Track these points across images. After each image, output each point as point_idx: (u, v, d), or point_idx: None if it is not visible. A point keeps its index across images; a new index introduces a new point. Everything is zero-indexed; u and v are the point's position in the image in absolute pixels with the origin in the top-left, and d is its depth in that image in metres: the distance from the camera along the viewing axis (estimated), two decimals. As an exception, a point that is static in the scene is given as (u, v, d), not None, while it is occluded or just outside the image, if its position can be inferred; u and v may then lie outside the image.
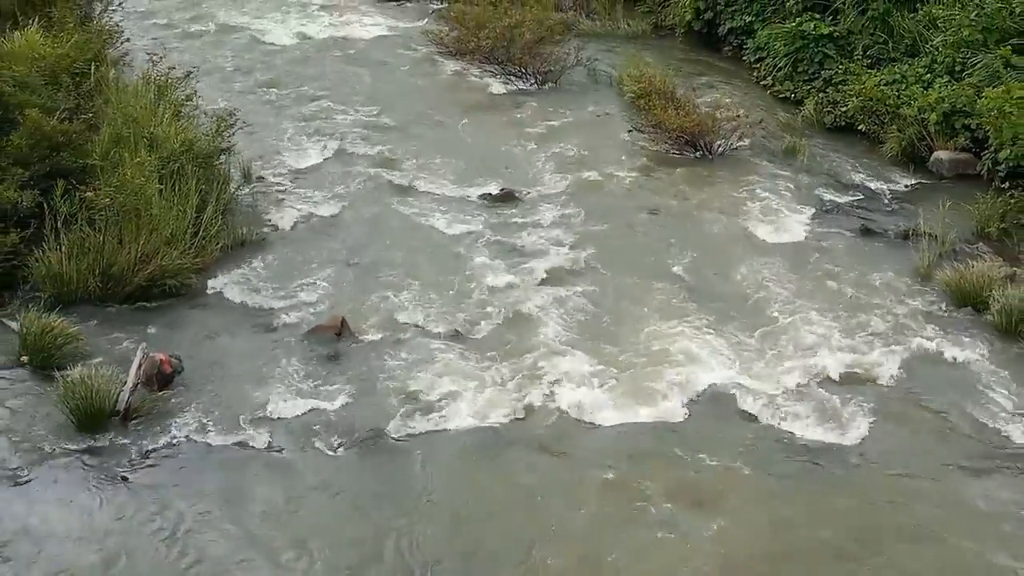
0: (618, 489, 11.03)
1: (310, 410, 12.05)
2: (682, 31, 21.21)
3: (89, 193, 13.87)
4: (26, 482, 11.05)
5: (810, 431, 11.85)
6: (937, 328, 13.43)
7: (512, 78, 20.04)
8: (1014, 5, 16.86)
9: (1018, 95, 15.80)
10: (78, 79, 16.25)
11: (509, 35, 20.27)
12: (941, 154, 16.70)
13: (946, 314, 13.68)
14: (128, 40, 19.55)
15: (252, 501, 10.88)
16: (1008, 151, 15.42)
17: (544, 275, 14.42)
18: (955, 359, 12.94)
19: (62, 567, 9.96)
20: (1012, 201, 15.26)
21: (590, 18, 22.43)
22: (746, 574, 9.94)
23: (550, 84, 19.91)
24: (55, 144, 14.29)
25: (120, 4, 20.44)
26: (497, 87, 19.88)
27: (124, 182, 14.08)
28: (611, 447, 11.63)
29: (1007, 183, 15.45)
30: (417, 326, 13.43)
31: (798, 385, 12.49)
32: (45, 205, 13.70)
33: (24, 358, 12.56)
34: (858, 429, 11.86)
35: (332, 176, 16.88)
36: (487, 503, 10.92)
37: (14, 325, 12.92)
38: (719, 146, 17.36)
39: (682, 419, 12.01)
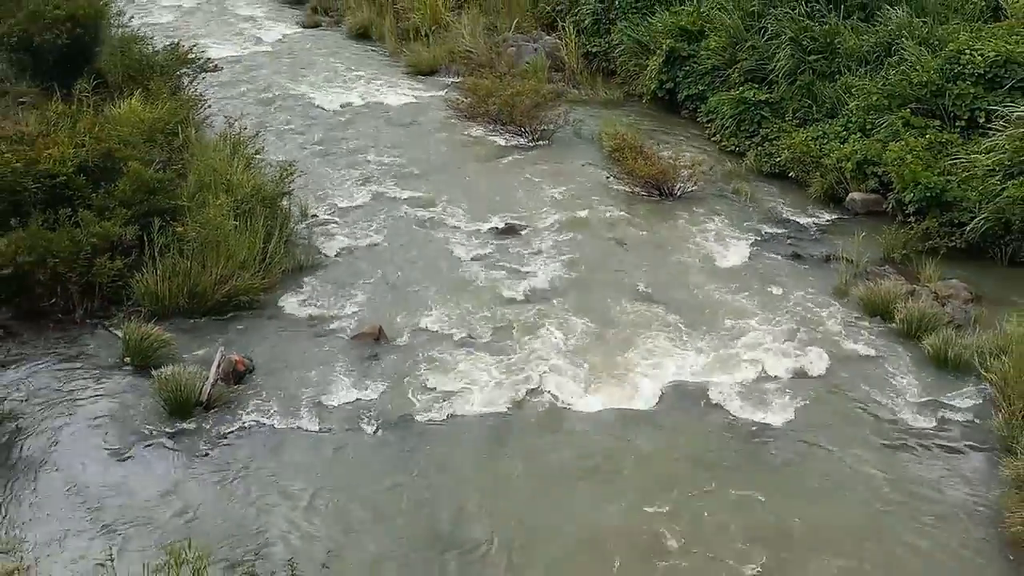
0: (596, 460, 11.12)
1: (354, 400, 12.08)
2: (648, 98, 21.21)
3: (179, 228, 13.94)
4: (128, 458, 11.09)
5: (752, 414, 11.88)
6: (852, 333, 13.44)
7: (514, 136, 20.05)
8: (912, 77, 16.90)
9: (916, 148, 15.88)
10: (170, 137, 16.27)
11: (511, 102, 20.26)
12: (855, 195, 16.72)
13: (860, 322, 13.67)
14: (209, 106, 19.61)
15: (306, 471, 10.92)
16: (911, 193, 15.41)
17: (539, 292, 14.42)
18: (867, 357, 12.95)
19: (154, 521, 10.02)
20: (912, 232, 15.26)
21: (575, 88, 22.43)
22: (691, 506, 9.99)
23: (544, 140, 19.92)
24: (152, 189, 14.31)
25: (203, 78, 20.50)
26: (502, 143, 19.89)
27: (207, 219, 14.12)
28: (591, 428, 11.67)
29: (912, 218, 15.45)
30: (438, 332, 13.43)
31: (743, 378, 12.50)
32: (144, 238, 13.73)
33: (127, 359, 12.60)
34: (789, 412, 11.89)
35: (371, 213, 16.88)
36: (494, 472, 10.98)
37: (119, 333, 12.95)
38: (678, 189, 17.36)
39: (650, 406, 12.03)
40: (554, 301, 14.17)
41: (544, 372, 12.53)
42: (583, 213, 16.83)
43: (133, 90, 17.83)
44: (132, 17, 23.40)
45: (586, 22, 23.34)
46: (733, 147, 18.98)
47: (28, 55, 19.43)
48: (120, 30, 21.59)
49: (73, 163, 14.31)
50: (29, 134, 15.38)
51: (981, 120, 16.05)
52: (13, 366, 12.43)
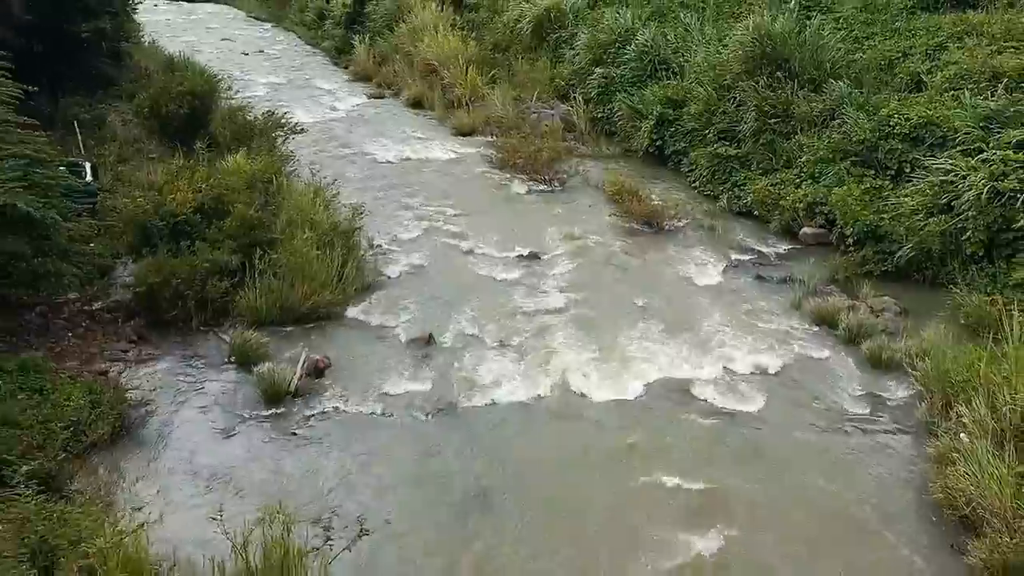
0: (602, 437, 11.11)
1: (409, 391, 12.09)
2: (641, 153, 21.18)
3: (274, 256, 14.05)
4: (233, 435, 11.19)
5: (723, 402, 11.88)
6: (805, 339, 13.37)
7: (535, 183, 20.08)
8: (852, 136, 16.83)
9: (855, 192, 15.81)
10: (267, 185, 16.35)
11: (534, 156, 20.33)
12: (807, 229, 16.63)
13: (810, 330, 13.60)
14: (297, 160, 19.74)
15: (372, 447, 10.97)
16: (852, 228, 15.38)
17: (555, 305, 14.38)
18: (816, 358, 12.89)
19: (252, 486, 10.09)
20: (852, 259, 15.19)
21: (584, 145, 22.43)
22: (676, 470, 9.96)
23: (559, 186, 19.95)
24: (252, 226, 14.43)
25: (292, 138, 20.65)
26: (525, 188, 19.90)
27: (295, 249, 14.22)
28: (598, 412, 11.68)
29: (852, 248, 15.39)
30: (476, 337, 13.43)
31: (717, 374, 12.46)
32: (246, 263, 13.85)
33: (232, 358, 12.68)
34: (753, 401, 11.88)
35: (422, 243, 16.90)
36: (522, 447, 10.98)
37: (226, 338, 13.05)
38: (666, 224, 17.35)
39: (643, 396, 12.02)
40: (567, 312, 14.15)
41: (560, 370, 12.50)
42: (590, 243, 16.82)
43: (238, 148, 18.02)
44: (237, 91, 23.73)
45: (592, 93, 23.37)
46: (709, 192, 18.94)
47: (157, 121, 19.70)
48: (228, 101, 21.85)
49: (192, 205, 14.48)
50: (158, 183, 15.60)
51: (907, 170, 15.94)
52: (145, 364, 12.54)
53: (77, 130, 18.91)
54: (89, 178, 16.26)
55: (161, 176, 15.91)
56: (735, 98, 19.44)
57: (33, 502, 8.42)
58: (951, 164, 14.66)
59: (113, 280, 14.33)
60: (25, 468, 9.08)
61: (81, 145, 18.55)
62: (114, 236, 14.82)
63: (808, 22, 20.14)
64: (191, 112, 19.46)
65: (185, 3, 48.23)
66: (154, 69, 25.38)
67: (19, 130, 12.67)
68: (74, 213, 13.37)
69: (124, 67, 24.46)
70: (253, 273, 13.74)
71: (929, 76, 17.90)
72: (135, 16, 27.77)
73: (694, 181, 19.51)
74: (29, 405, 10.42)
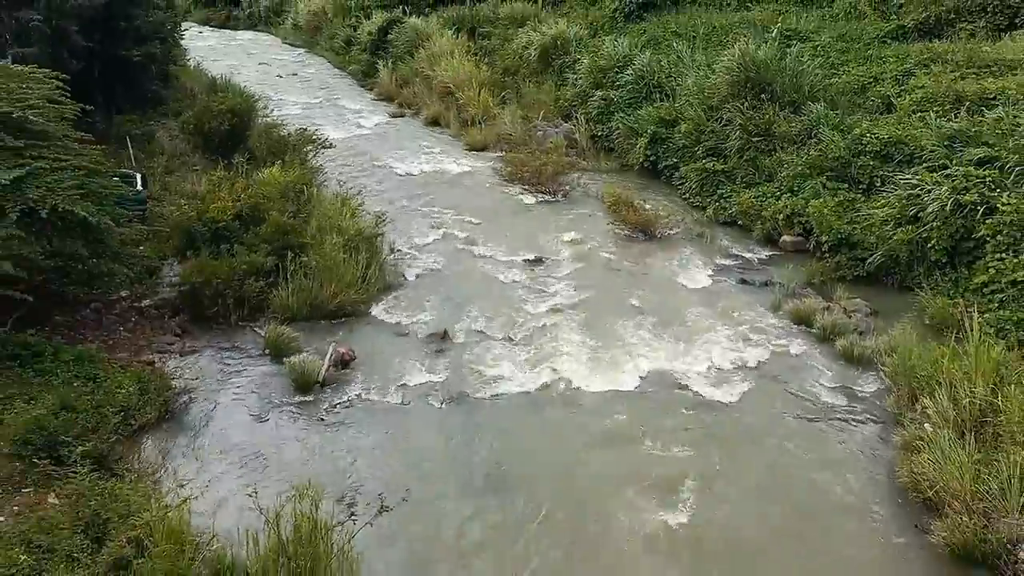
0: (598, 422, 11.11)
1: (425, 382, 12.09)
2: (637, 167, 21.11)
3: (305, 258, 14.07)
4: (266, 420, 11.21)
5: (710, 392, 11.84)
6: (784, 336, 13.32)
7: (540, 194, 20.05)
8: (827, 153, 16.77)
9: (830, 204, 15.77)
10: (299, 194, 16.39)
11: (539, 170, 20.30)
12: (786, 238, 16.57)
13: (789, 329, 13.54)
14: (326, 172, 19.80)
15: (392, 432, 10.98)
16: (827, 236, 15.35)
17: (558, 305, 14.37)
18: (794, 354, 12.84)
19: (284, 466, 10.11)
20: (827, 265, 15.13)
21: (585, 160, 22.32)
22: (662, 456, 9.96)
23: (562, 197, 19.91)
24: (285, 231, 14.44)
25: (321, 152, 20.68)
26: (531, 199, 19.88)
27: (324, 252, 14.25)
28: (595, 402, 11.66)
29: (827, 254, 15.35)
30: (486, 334, 13.43)
31: (703, 367, 12.43)
32: (279, 265, 13.88)
33: (266, 351, 12.71)
34: (736, 392, 11.84)
35: (438, 248, 16.90)
36: (526, 431, 10.99)
37: (261, 332, 13.08)
38: (659, 232, 17.31)
39: (637, 387, 12.01)
40: (569, 311, 14.12)
41: (562, 363, 12.50)
42: (590, 249, 16.79)
43: (273, 161, 18.05)
44: (273, 110, 23.75)
45: (593, 113, 23.31)
46: (698, 203, 18.86)
47: (201, 137, 19.76)
48: (264, 119, 21.90)
49: (231, 212, 14.52)
50: (201, 192, 15.65)
51: (878, 184, 15.87)
52: (188, 355, 12.59)
53: (129, 144, 18.98)
54: (139, 188, 16.33)
55: (204, 186, 15.98)
56: (722, 118, 19.39)
57: (87, 479, 8.48)
58: (918, 179, 14.59)
59: (160, 280, 14.37)
60: (80, 448, 9.16)
61: (132, 158, 18.62)
62: (161, 240, 14.88)
63: (789, 50, 20.08)
64: (231, 129, 19.51)
65: (227, 30, 48.34)
66: (198, 90, 25.48)
67: (77, 144, 12.73)
68: (126, 219, 13.41)
69: (171, 88, 24.59)
70: (286, 274, 13.76)
71: (898, 99, 17.84)
72: (182, 41, 27.88)
73: (684, 193, 19.44)
74: (84, 392, 10.48)
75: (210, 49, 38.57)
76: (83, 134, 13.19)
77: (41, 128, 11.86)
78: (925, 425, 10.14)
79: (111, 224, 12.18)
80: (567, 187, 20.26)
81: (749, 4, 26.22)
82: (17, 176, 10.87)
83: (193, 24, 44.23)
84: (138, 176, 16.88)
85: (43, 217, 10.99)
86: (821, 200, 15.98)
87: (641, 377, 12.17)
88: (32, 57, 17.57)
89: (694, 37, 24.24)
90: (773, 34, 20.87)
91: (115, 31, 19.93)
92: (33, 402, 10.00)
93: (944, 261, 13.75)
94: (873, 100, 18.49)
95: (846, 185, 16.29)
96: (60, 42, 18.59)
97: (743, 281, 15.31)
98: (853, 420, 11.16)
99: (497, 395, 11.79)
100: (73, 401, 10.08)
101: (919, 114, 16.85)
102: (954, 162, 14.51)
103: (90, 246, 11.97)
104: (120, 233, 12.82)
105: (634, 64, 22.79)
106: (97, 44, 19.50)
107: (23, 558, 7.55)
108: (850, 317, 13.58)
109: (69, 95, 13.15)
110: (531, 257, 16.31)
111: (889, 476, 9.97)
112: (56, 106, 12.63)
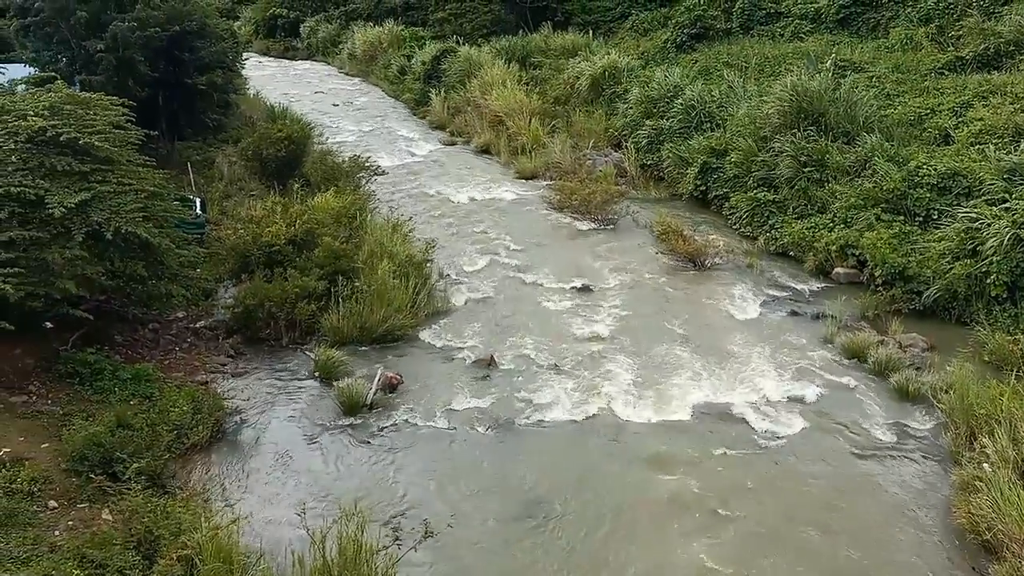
0: (644, 453, 10.96)
1: (471, 407, 12.10)
2: (687, 197, 21.01)
3: (355, 283, 14.22)
4: (315, 442, 11.30)
5: (760, 426, 11.61)
6: (836, 371, 13.01)
7: (589, 222, 20.03)
8: (882, 185, 16.47)
9: (885, 236, 15.47)
10: (351, 220, 16.61)
11: (588, 198, 20.29)
12: (839, 269, 16.27)
13: (841, 363, 13.23)
14: (378, 198, 20.05)
15: (438, 456, 10.98)
16: (881, 269, 15.03)
17: (606, 333, 14.28)
18: (847, 388, 12.54)
19: (331, 487, 10.17)
20: (881, 298, 14.79)
21: (634, 189, 22.25)
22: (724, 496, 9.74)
23: (611, 226, 19.85)
24: (337, 256, 14.60)
25: (374, 179, 20.98)
26: (580, 227, 19.85)
27: (374, 278, 14.39)
28: (643, 432, 11.53)
29: (881, 287, 15.02)
30: (533, 360, 13.39)
31: (754, 400, 12.20)
32: (331, 289, 14.03)
33: (316, 373, 12.84)
34: (788, 425, 11.59)
35: (486, 275, 16.95)
36: (572, 462, 10.87)
37: (312, 355, 13.22)
38: (708, 262, 17.14)
39: (686, 418, 11.84)
40: (616, 340, 14.02)
41: (609, 392, 12.39)
42: (638, 278, 16.68)
43: (327, 187, 18.36)
44: (327, 137, 24.24)
45: (643, 142, 23.27)
46: (748, 233, 18.66)
47: (259, 162, 20.21)
48: (319, 146, 22.33)
49: (285, 237, 14.78)
50: (256, 217, 15.97)
51: (935, 217, 15.55)
52: (241, 376, 12.80)
53: (190, 169, 19.49)
54: (199, 211, 16.74)
55: (259, 211, 16.29)
56: (773, 148, 19.21)
57: (141, 496, 8.63)
58: (976, 212, 14.26)
59: (215, 301, 14.68)
60: (135, 465, 9.35)
61: (193, 182, 19.11)
62: (217, 263, 15.20)
63: (843, 80, 19.85)
64: (287, 155, 19.93)
65: (285, 60, 49.53)
66: (257, 117, 26.11)
67: (140, 168, 13.10)
68: (184, 241, 13.74)
69: (232, 115, 25.22)
70: (336, 298, 13.92)
71: (956, 131, 17.51)
72: (242, 71, 28.60)
73: (734, 223, 19.24)
74: (140, 410, 10.71)
75: (269, 78, 39.57)
76: (146, 159, 13.58)
77: (106, 153, 12.23)
78: (984, 465, 9.78)
79: (171, 246, 12.49)
80: (616, 215, 20.21)
81: (803, 35, 26.08)
82: (82, 199, 11.22)
83: (253, 54, 45.44)
84: (197, 200, 17.31)
85: (107, 239, 11.30)
86: (876, 232, 15.68)
87: (689, 408, 12.00)
88: (99, 85, 18.25)
89: (746, 67, 24.15)
90: (827, 64, 20.65)
91: (180, 61, 20.55)
92: (91, 419, 10.24)
93: (1004, 296, 13.37)
94: (930, 132, 18.15)
95: (902, 217, 15.97)
96: (126, 71, 19.26)
97: (794, 313, 15.04)
98: (908, 458, 10.84)
99: (543, 423, 11.73)
100: (129, 419, 10.30)
101: (978, 146, 16.50)
102: (1014, 196, 14.14)
103: (150, 267, 12.28)
104: (179, 255, 13.13)
105: (685, 94, 22.74)
106: (162, 73, 20.13)
107: (76, 572, 7.69)
108: (905, 352, 13.24)
109: (134, 121, 13.56)
110: (579, 284, 16.26)
111: (945, 516, 9.63)
112: (121, 132, 13.03)
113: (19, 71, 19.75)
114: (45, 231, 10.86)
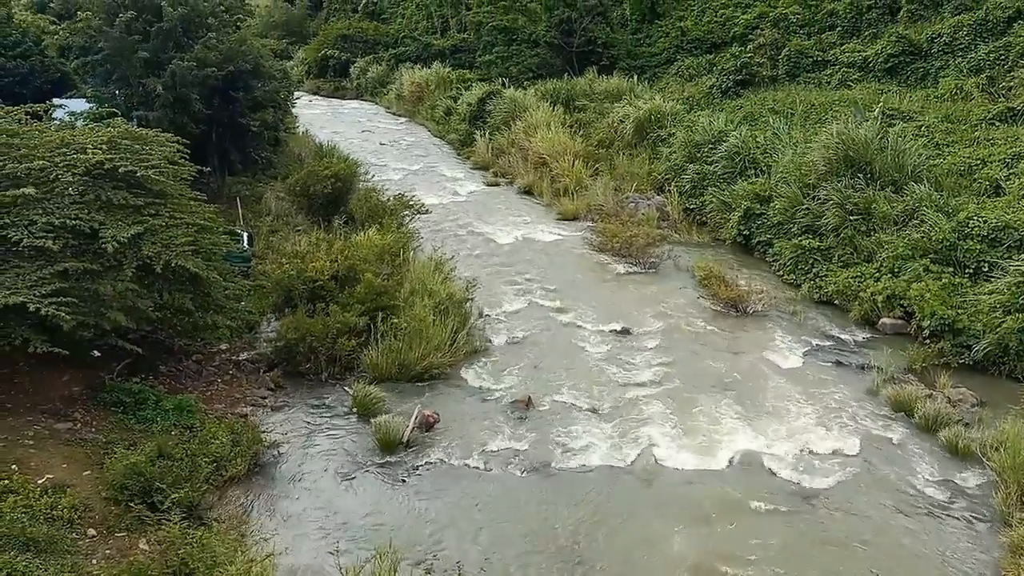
0: (681, 501, 10.76)
1: (508, 448, 12.03)
2: (729, 242, 20.92)
3: (395, 320, 14.30)
4: (351, 479, 11.30)
5: (800, 479, 11.36)
6: (882, 424, 12.72)
7: (630, 265, 19.98)
8: (931, 235, 16.22)
9: (934, 288, 15.17)
10: (394, 258, 16.74)
11: (630, 241, 20.28)
12: (886, 320, 16.00)
13: (888, 416, 12.93)
14: (421, 237, 20.21)
15: (472, 497, 10.90)
16: (930, 321, 14.73)
17: (645, 378, 14.15)
18: (893, 443, 12.23)
19: (366, 526, 10.14)
20: (930, 350, 14.48)
21: (676, 233, 22.22)
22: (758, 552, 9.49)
23: (652, 269, 19.77)
24: (379, 292, 14.70)
25: (417, 217, 21.18)
26: (621, 270, 19.80)
27: (415, 315, 14.46)
28: (681, 480, 11.36)
29: (929, 340, 14.70)
30: (571, 403, 13.30)
31: (795, 452, 11.95)
32: (371, 325, 14.13)
33: (354, 409, 12.87)
34: (830, 480, 11.32)
35: (526, 315, 16.94)
36: (609, 508, 10.72)
37: (350, 391, 13.26)
38: (751, 308, 16.96)
39: (725, 467, 11.64)
40: (655, 385, 13.89)
41: (647, 438, 12.25)
42: (679, 322, 16.54)
43: (371, 224, 18.58)
44: (373, 175, 24.58)
45: (686, 187, 23.29)
46: (792, 280, 18.46)
47: (306, 199, 20.57)
48: (365, 183, 22.65)
49: (328, 272, 14.95)
50: (301, 252, 16.21)
51: (985, 269, 15.25)
52: (280, 410, 12.89)
53: (239, 204, 19.90)
54: (246, 245, 17.06)
55: (303, 246, 16.54)
56: (818, 196, 19.06)
57: (178, 527, 8.69)
58: (1029, 265, 13.96)
59: (258, 334, 14.86)
60: (173, 496, 9.42)
61: (241, 217, 19.50)
62: (261, 296, 15.42)
63: (891, 129, 19.68)
64: (333, 192, 20.26)
65: (335, 99, 50.61)
66: (305, 154, 26.63)
67: (192, 203, 13.39)
68: (231, 274, 13.96)
69: (281, 152, 25.77)
70: (377, 334, 13.99)
71: (1007, 182, 17.21)
72: (293, 110, 29.26)
73: (778, 270, 19.07)
74: (181, 440, 10.83)
75: (318, 116, 40.40)
76: (197, 193, 13.88)
77: (160, 187, 12.53)
78: (1037, 528, 9.43)
79: (218, 279, 12.70)
80: (657, 259, 20.13)
81: (850, 83, 25.98)
82: (136, 233, 11.49)
83: (304, 93, 46.49)
84: (245, 234, 17.64)
85: (157, 272, 11.55)
86: (924, 283, 15.41)
87: (728, 458, 11.80)
88: (155, 121, 18.79)
89: (791, 114, 24.08)
90: (875, 113, 20.51)
91: (233, 99, 21.10)
92: (133, 448, 10.37)
93: (1058, 352, 13.00)
94: (980, 183, 17.89)
95: (951, 269, 15.68)
96: (182, 108, 19.83)
97: (839, 363, 14.76)
98: (956, 517, 10.50)
99: (580, 467, 11.61)
100: (170, 449, 10.42)
101: (1030, 199, 16.19)
102: (1069, 249, 13.81)
103: (197, 299, 12.49)
104: (225, 288, 13.33)
105: (729, 140, 22.74)
106: (216, 111, 20.69)
107: (113, 601, 7.74)
108: (954, 407, 12.90)
109: (187, 157, 13.90)
110: (619, 328, 16.18)
111: (996, 580, 9.29)
112: (175, 167, 13.36)
113: (79, 105, 20.42)
114: (98, 263, 11.12)
